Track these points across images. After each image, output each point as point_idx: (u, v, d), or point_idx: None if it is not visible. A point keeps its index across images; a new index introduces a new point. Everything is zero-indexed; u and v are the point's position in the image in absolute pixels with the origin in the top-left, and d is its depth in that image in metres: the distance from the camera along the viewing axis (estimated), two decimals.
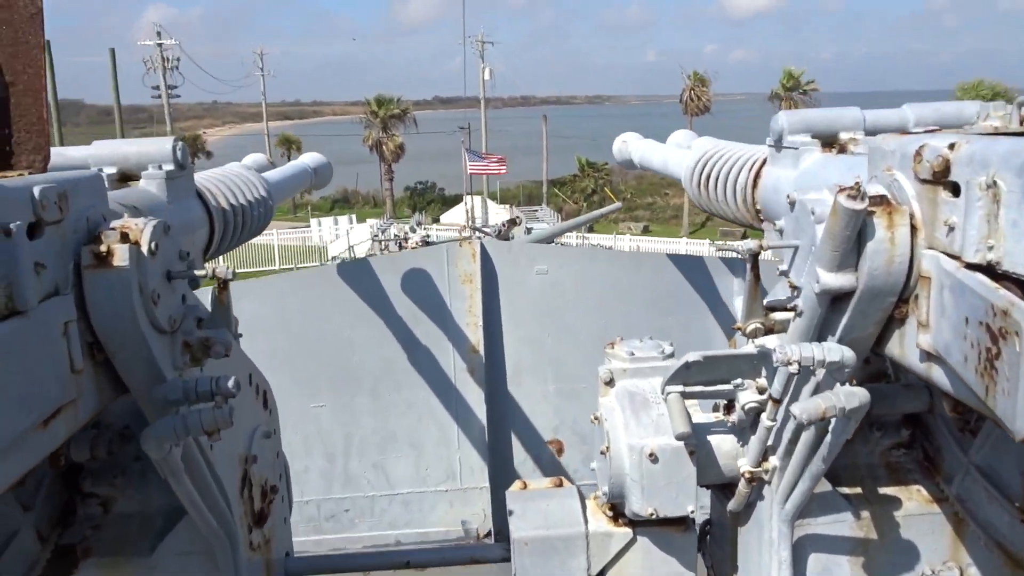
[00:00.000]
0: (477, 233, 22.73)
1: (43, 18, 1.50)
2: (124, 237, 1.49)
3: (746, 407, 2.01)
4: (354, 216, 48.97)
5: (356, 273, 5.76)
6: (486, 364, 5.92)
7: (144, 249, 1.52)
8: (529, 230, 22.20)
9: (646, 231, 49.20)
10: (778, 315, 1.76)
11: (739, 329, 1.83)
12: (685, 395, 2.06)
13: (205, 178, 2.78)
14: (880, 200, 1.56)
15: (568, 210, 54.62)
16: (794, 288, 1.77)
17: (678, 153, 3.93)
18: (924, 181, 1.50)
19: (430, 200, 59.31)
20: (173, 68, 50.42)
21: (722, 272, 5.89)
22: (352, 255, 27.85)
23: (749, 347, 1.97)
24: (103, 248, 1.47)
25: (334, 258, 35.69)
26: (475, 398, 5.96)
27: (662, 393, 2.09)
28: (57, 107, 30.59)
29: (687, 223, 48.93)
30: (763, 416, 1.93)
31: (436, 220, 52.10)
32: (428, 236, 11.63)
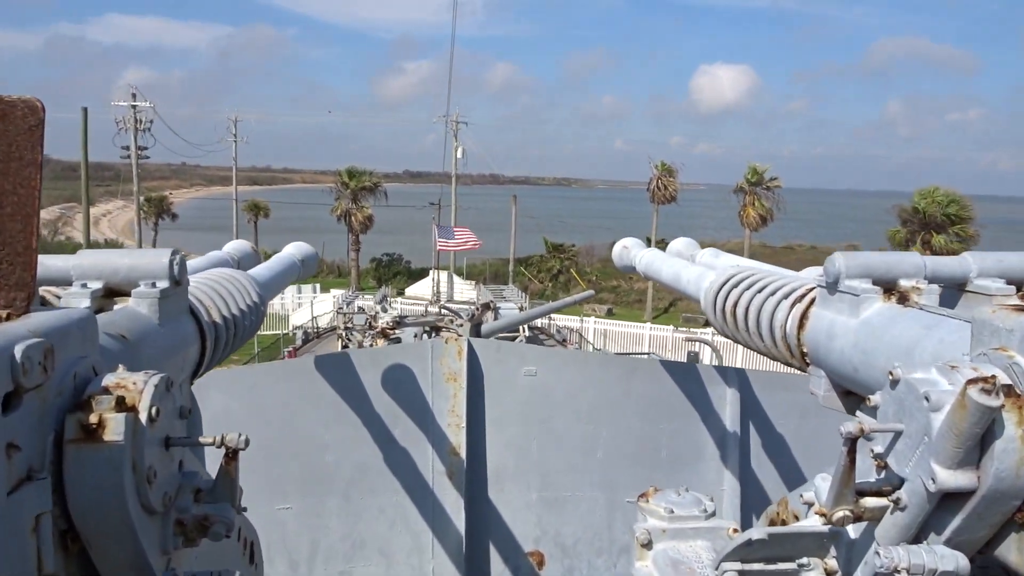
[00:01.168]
0: (445, 312, 22.48)
1: (43, 131, 1.27)
2: (119, 403, 1.22)
3: None
4: (318, 285, 48.42)
5: (334, 366, 5.45)
6: (467, 468, 5.60)
7: (143, 416, 1.25)
8: (496, 305, 21.94)
9: (610, 314, 49.38)
10: (870, 502, 1.54)
11: (822, 514, 1.60)
12: (742, 573, 1.81)
13: (196, 287, 2.51)
14: (1008, 391, 1.37)
15: (534, 289, 54.76)
16: (881, 467, 1.56)
17: (694, 271, 3.76)
18: None
19: (396, 272, 59.03)
20: (145, 130, 50.15)
21: (715, 380, 5.71)
22: (315, 326, 27.41)
23: (815, 522, 1.73)
24: (93, 419, 1.20)
25: (296, 327, 35.06)
26: (453, 504, 5.60)
27: (716, 569, 1.83)
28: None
29: (650, 307, 49.32)
30: None
31: (401, 292, 51.75)
32: (402, 316, 11.35)
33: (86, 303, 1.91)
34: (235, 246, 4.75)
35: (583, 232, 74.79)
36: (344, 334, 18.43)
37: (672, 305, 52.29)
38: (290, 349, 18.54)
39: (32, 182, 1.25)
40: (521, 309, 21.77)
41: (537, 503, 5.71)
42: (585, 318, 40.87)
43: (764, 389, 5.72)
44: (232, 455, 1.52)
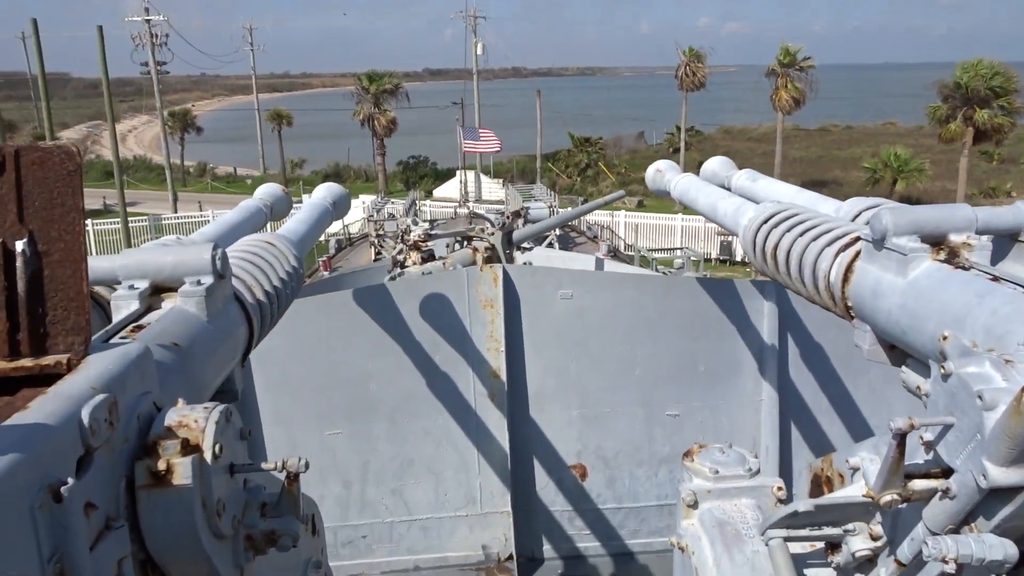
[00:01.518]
0: (473, 216, 22.42)
1: (81, 176, 1.27)
2: (184, 444, 1.27)
3: (857, 554, 1.81)
4: (347, 192, 48.38)
5: (373, 299, 5.53)
6: (508, 390, 5.73)
7: (207, 455, 1.30)
8: (527, 211, 21.78)
9: (640, 205, 48.88)
10: (919, 484, 1.55)
11: (870, 497, 1.62)
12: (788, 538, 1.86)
13: (237, 264, 2.53)
14: None
15: (562, 184, 54.20)
16: (929, 448, 1.56)
17: (731, 203, 3.67)
18: None
19: (423, 175, 58.66)
20: (162, 44, 49.41)
21: (752, 295, 5.69)
22: (347, 233, 27.65)
23: (859, 490, 1.76)
24: (161, 465, 1.25)
25: (328, 234, 35.30)
26: (496, 423, 5.78)
27: (762, 535, 1.89)
28: (45, 82, 29.88)
29: None
30: (880, 571, 1.74)
31: (429, 194, 51.57)
32: (432, 227, 11.40)
33: (135, 305, 1.96)
34: (266, 191, 4.75)
35: (610, 124, 73.11)
36: (376, 241, 18.53)
37: None
38: (324, 259, 18.68)
39: (76, 227, 1.26)
40: (551, 209, 21.57)
41: (577, 420, 5.86)
42: (615, 212, 40.52)
43: (802, 301, 5.69)
44: (294, 477, 1.58)
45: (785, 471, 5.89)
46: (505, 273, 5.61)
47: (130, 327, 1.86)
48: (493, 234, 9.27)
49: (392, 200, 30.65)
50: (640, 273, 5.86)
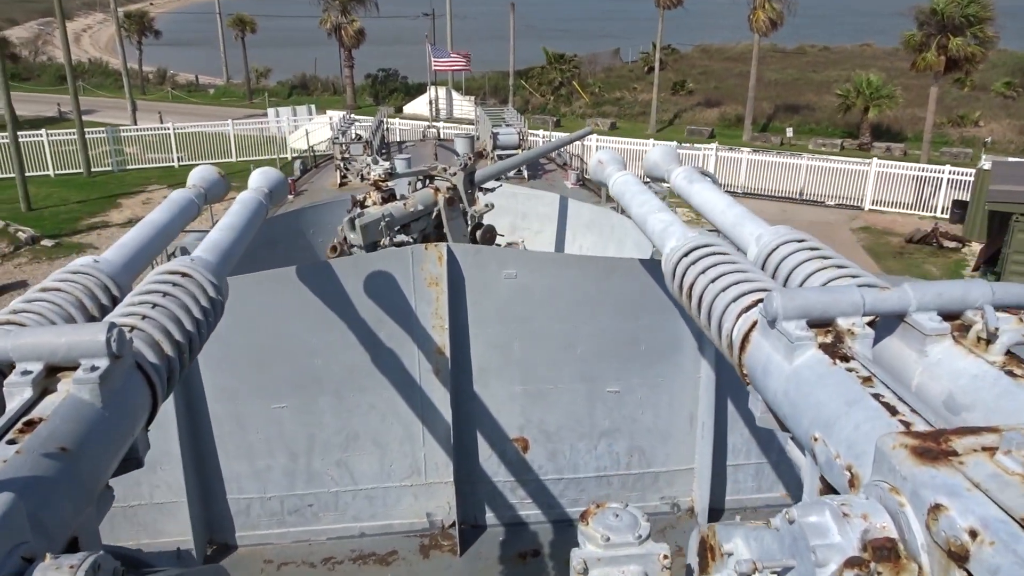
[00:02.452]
0: (438, 147, 22.06)
1: None
2: None
3: None
4: (313, 106, 47.18)
5: (317, 276, 5.53)
6: (452, 365, 5.83)
7: None
8: (495, 136, 21.43)
9: (613, 128, 48.37)
10: None
11: None
12: None
13: (140, 317, 2.47)
14: (886, 550, 1.44)
15: (535, 103, 53.24)
16: None
17: (659, 221, 3.66)
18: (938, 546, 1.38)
19: (392, 89, 57.16)
20: None
21: None
22: (312, 153, 26.98)
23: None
24: None
25: (294, 152, 34.56)
26: (440, 398, 5.90)
27: None
28: None
29: (655, 120, 48.15)
30: None
31: (399, 111, 50.42)
32: (391, 169, 11.22)
33: (28, 393, 1.96)
34: (200, 175, 4.61)
35: (585, 39, 71.31)
36: (341, 164, 18.22)
37: (677, 117, 51.06)
38: (290, 181, 18.31)
39: None
40: (520, 134, 21.24)
41: (520, 395, 6.00)
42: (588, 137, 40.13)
43: None
44: None
45: (719, 446, 6.13)
46: (450, 252, 5.61)
47: (19, 424, 1.87)
48: (456, 174, 9.18)
49: (359, 120, 29.89)
50: (582, 256, 5.89)
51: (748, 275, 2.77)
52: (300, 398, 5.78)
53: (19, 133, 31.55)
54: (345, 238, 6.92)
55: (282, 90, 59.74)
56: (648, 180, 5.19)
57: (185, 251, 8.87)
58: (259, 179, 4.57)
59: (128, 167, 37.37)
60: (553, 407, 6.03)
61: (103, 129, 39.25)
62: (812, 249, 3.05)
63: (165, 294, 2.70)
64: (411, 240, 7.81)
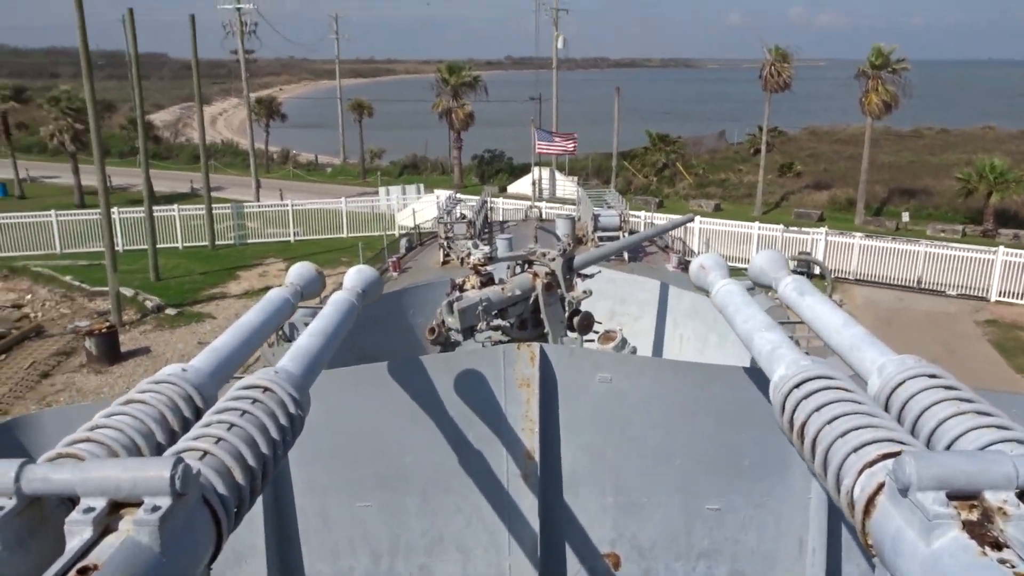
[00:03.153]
0: (539, 228, 22.30)
1: None
2: None
3: None
4: (422, 185, 48.95)
5: (408, 372, 5.46)
6: (541, 471, 5.59)
7: None
8: (596, 218, 21.54)
9: (718, 209, 47.79)
10: None
11: None
12: None
13: (213, 440, 2.41)
14: None
15: (637, 184, 53.40)
16: None
17: (767, 340, 3.35)
18: None
19: (498, 169, 58.77)
20: (251, 32, 50.79)
21: None
22: (418, 232, 27.76)
23: None
24: None
25: (401, 229, 35.71)
26: (528, 505, 5.64)
27: None
28: (138, 62, 30.96)
29: (760, 202, 47.27)
30: None
31: (503, 190, 51.63)
32: (491, 253, 11.31)
33: (88, 533, 1.90)
34: (298, 272, 4.67)
35: (690, 121, 71.46)
36: (445, 243, 18.60)
37: (784, 199, 49.97)
38: (393, 260, 18.84)
39: None
40: (621, 217, 21.19)
41: (613, 507, 5.67)
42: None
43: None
44: None
45: None
46: (543, 352, 5.45)
47: (74, 571, 1.79)
48: (554, 260, 9.14)
49: (464, 199, 30.71)
50: (681, 362, 5.60)
51: (872, 419, 2.45)
52: (386, 497, 5.65)
53: (154, 208, 34.05)
54: (443, 321, 6.95)
55: (394, 169, 62.49)
56: (753, 287, 4.90)
57: (293, 328, 9.13)
58: (354, 279, 4.60)
59: (249, 241, 39.59)
60: (647, 522, 5.66)
61: (228, 205, 41.94)
62: (947, 388, 2.68)
63: (244, 412, 2.63)
64: (508, 324, 7.72)
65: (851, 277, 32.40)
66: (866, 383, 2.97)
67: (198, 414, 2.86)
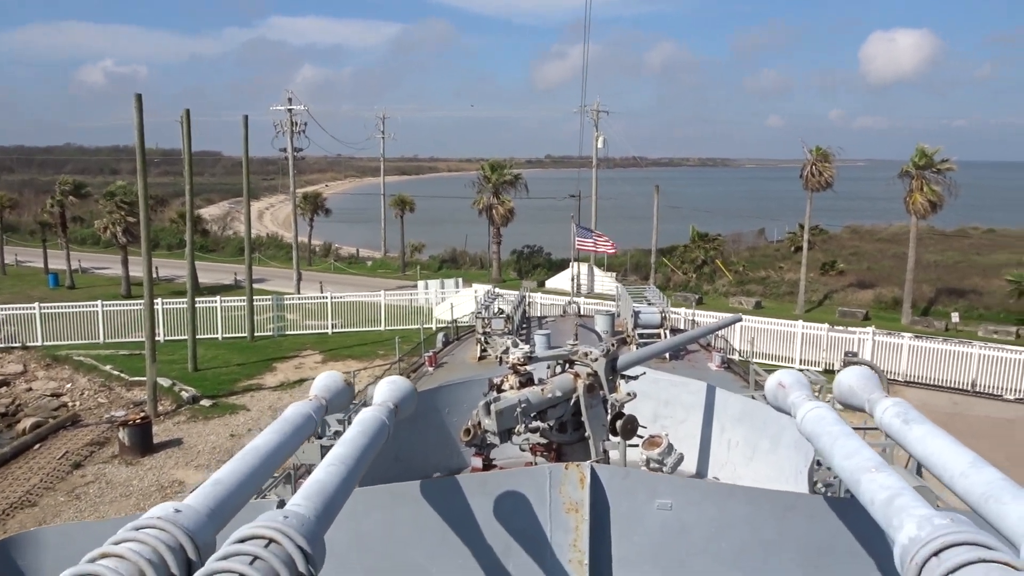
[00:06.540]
0: (579, 326, 21.88)
1: None
2: None
3: None
4: (460, 279, 49.14)
5: (442, 492, 4.98)
6: None
7: None
8: (637, 315, 21.04)
9: (759, 307, 46.97)
10: None
11: None
12: None
13: None
14: None
15: (677, 280, 52.98)
16: None
17: (883, 486, 2.68)
18: None
19: (536, 264, 58.98)
20: (300, 132, 52.61)
21: None
22: (455, 326, 27.52)
23: None
24: None
25: (439, 323, 35.57)
26: None
27: None
28: (191, 159, 31.99)
29: (803, 300, 46.35)
30: None
31: (541, 285, 51.58)
32: (531, 352, 10.90)
33: None
34: (324, 383, 4.29)
35: (729, 219, 71.48)
36: (482, 339, 18.21)
37: (827, 298, 48.98)
38: (430, 354, 18.49)
39: None
40: (662, 314, 20.68)
41: None
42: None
43: None
44: None
45: None
46: (594, 473, 4.94)
47: None
48: (597, 360, 8.67)
49: (502, 294, 30.54)
50: (753, 488, 4.99)
51: None
52: None
53: (196, 299, 34.48)
54: (480, 423, 6.50)
55: (433, 263, 63.12)
56: (840, 407, 4.37)
57: (326, 425, 8.68)
58: (385, 392, 4.18)
59: (287, 332, 39.74)
60: None
61: (270, 297, 42.39)
62: None
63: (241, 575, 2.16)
64: (547, 427, 7.24)
65: (901, 379, 31.13)
66: (1018, 548, 2.39)
67: (190, 568, 2.37)
